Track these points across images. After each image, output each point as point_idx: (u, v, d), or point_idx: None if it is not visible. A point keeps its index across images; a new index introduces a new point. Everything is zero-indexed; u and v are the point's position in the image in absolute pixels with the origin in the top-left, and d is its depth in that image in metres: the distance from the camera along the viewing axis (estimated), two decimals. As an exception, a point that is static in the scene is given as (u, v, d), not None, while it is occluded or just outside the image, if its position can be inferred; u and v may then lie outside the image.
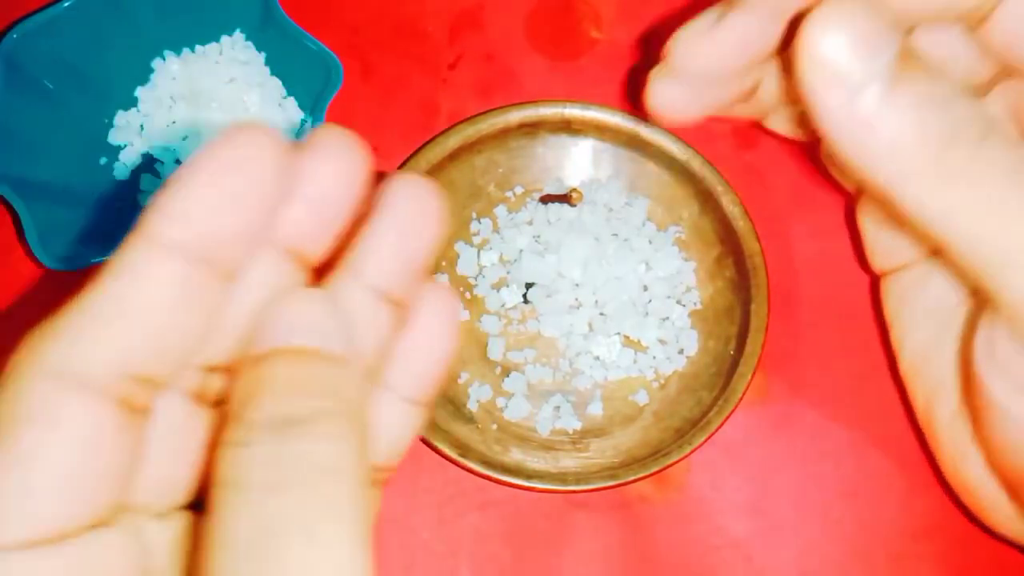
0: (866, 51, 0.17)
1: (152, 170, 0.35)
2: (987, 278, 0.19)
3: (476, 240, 0.34)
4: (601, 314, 0.32)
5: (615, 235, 0.33)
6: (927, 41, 0.22)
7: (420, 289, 0.18)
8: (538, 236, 0.33)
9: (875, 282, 0.34)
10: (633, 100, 0.35)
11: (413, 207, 0.17)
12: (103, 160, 0.35)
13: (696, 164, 0.33)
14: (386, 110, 0.36)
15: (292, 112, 0.35)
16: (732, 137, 0.36)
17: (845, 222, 0.34)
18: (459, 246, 0.34)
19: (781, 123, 0.27)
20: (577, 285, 0.32)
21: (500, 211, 0.34)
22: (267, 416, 0.14)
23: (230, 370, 0.16)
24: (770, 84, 0.25)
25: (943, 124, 0.18)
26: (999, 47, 0.22)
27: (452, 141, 0.33)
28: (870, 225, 0.29)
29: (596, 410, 0.32)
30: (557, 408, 0.32)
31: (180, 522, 0.17)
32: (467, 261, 0.33)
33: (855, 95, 0.18)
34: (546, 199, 0.34)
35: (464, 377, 0.32)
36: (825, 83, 0.18)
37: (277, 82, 0.35)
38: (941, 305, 0.27)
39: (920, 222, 0.19)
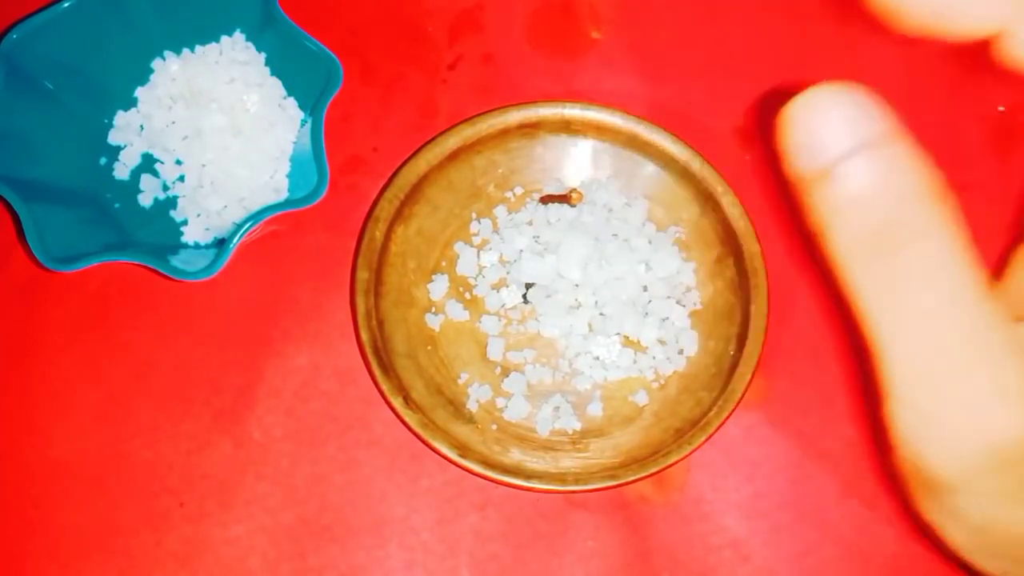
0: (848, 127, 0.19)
1: (152, 170, 0.35)
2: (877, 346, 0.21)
3: (476, 240, 0.34)
4: (601, 314, 0.32)
5: (615, 235, 0.33)
6: None
7: None
8: (538, 236, 0.33)
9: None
10: (632, 101, 0.35)
11: None
12: (103, 160, 0.35)
13: (696, 164, 0.33)
14: (386, 110, 0.36)
15: (292, 112, 0.35)
16: (732, 137, 0.36)
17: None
18: (459, 246, 0.34)
19: None
20: (577, 285, 0.32)
21: (500, 211, 0.34)
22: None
23: None
24: None
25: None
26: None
27: (452, 142, 0.33)
28: None
29: (596, 410, 0.32)
30: (557, 408, 0.32)
31: None
32: (467, 261, 0.33)
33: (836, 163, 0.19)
34: (546, 199, 0.34)
35: (464, 377, 0.32)
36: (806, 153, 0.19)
37: (277, 82, 0.35)
38: None
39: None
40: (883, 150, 0.19)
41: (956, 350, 0.20)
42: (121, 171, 0.35)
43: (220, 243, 0.33)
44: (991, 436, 0.20)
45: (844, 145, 0.19)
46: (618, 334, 0.32)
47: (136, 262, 0.31)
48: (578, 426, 0.31)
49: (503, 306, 0.33)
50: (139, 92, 0.35)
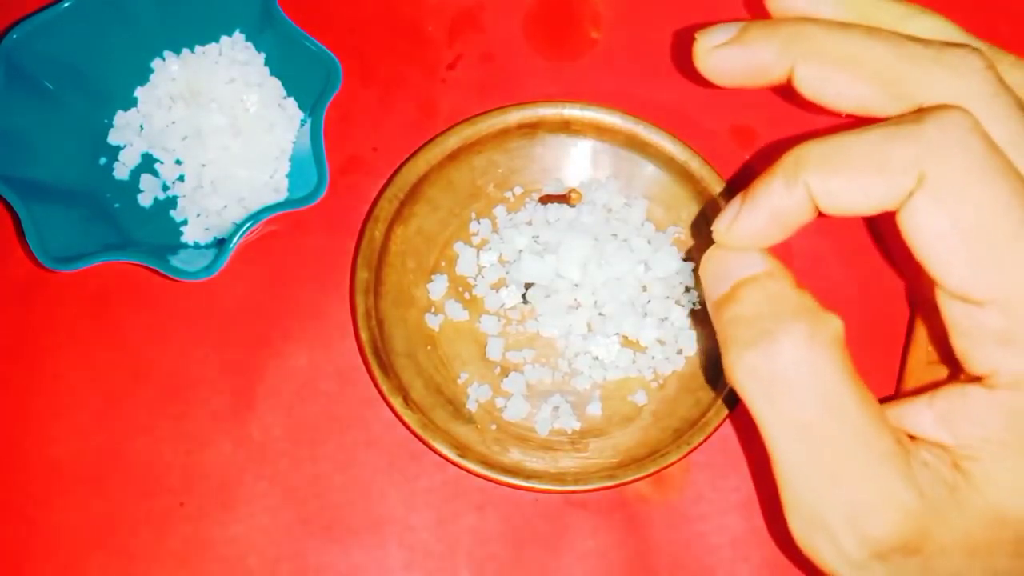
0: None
1: (152, 170, 0.35)
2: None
3: (475, 240, 0.34)
4: (600, 314, 0.32)
5: (614, 235, 0.33)
6: None
7: None
8: (537, 236, 0.33)
9: (870, 282, 0.34)
10: (631, 101, 0.35)
11: None
12: (103, 160, 0.35)
13: (695, 164, 0.33)
14: (385, 110, 0.36)
15: (292, 112, 0.35)
16: (732, 137, 0.36)
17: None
18: (458, 246, 0.34)
19: None
20: (576, 285, 0.32)
21: (499, 211, 0.34)
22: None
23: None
24: None
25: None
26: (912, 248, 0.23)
27: (451, 141, 0.33)
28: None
29: (595, 410, 0.32)
30: (556, 408, 0.32)
31: None
32: (466, 261, 0.33)
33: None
34: (545, 199, 0.34)
35: (463, 377, 0.32)
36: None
37: (277, 82, 0.35)
38: None
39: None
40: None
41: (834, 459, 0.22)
42: (121, 171, 0.35)
43: (220, 243, 0.33)
44: (868, 536, 0.22)
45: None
46: (617, 334, 0.32)
47: (136, 262, 0.31)
48: (577, 426, 0.31)
49: (502, 306, 0.33)
50: (139, 92, 0.35)
